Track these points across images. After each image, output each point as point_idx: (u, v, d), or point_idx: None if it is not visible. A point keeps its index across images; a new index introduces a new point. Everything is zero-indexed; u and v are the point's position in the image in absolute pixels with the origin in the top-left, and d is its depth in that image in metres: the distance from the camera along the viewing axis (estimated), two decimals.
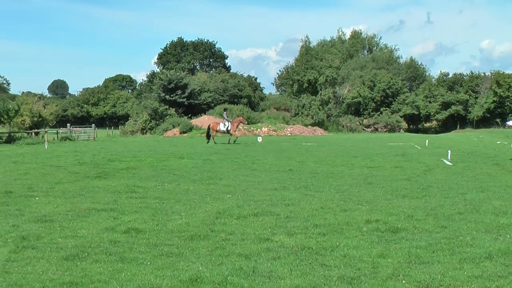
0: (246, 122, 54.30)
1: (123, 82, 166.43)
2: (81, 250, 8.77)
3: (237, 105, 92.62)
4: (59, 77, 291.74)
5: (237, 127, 47.60)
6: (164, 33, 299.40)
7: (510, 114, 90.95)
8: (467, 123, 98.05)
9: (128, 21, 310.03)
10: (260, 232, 10.13)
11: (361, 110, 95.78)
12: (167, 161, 26.75)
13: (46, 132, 51.75)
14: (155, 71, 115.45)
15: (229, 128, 46.06)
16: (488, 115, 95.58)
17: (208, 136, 46.53)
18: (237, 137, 47.17)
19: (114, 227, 10.56)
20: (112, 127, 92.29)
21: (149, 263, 8.04)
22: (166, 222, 11.10)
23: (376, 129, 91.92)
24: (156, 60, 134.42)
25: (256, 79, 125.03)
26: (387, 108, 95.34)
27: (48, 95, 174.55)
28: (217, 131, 46.83)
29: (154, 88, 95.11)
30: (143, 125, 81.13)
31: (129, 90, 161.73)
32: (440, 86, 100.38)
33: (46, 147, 41.37)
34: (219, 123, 47.11)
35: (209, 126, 47.95)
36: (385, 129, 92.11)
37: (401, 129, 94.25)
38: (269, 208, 12.61)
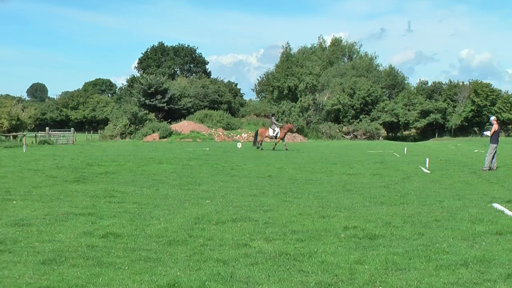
0: (295, 129, 53.34)
1: (103, 86, 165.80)
2: (59, 254, 8.73)
3: (217, 110, 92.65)
4: (38, 81, 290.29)
5: (286, 133, 46.98)
6: (144, 38, 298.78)
7: (487, 123, 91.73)
8: (445, 132, 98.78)
9: (109, 25, 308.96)
10: (239, 237, 10.14)
11: (340, 117, 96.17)
12: (146, 166, 26.66)
13: (24, 135, 51.43)
14: (135, 76, 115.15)
15: (278, 134, 45.82)
16: (466, 124, 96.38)
17: (256, 141, 46.56)
18: (285, 144, 46.80)
19: (92, 232, 10.51)
20: (91, 131, 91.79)
21: (127, 267, 8.01)
22: (145, 227, 11.07)
23: (356, 136, 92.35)
24: (136, 65, 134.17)
25: (236, 85, 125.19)
26: (366, 115, 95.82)
27: (27, 98, 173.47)
28: (266, 136, 46.54)
29: (134, 92, 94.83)
30: (123, 129, 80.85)
31: (109, 95, 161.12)
32: (419, 94, 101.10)
33: (24, 151, 41.07)
34: (268, 129, 46.84)
35: (256, 131, 47.95)
36: (364, 137, 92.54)
37: (380, 137, 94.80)
38: (247, 214, 12.62)
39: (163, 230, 10.73)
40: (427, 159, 28.34)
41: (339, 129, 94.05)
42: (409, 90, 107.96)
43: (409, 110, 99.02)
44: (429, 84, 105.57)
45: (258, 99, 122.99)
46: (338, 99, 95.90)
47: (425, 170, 25.23)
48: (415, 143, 77.66)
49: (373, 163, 30.39)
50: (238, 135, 76.17)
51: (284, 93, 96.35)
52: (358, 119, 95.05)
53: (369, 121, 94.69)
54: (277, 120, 47.80)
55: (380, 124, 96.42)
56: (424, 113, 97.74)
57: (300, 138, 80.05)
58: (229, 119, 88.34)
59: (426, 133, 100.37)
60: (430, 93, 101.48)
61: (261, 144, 46.29)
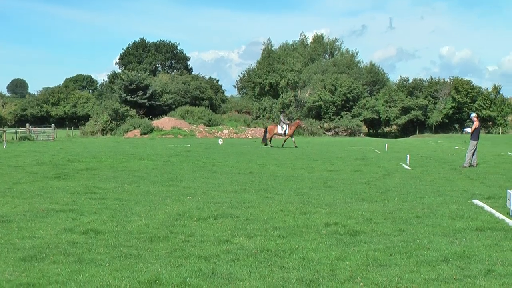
0: (303, 125, 53.08)
1: (83, 82, 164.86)
2: (39, 251, 8.68)
3: (198, 107, 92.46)
4: (19, 76, 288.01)
5: (294, 130, 47.04)
6: (126, 34, 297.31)
7: (468, 120, 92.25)
8: (426, 128, 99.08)
9: (90, 21, 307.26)
10: (220, 234, 10.13)
11: (322, 113, 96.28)
12: (127, 162, 26.58)
13: (4, 131, 51.02)
14: (117, 72, 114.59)
15: (286, 131, 45.66)
16: (447, 121, 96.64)
17: (265, 138, 46.46)
18: (294, 141, 46.61)
19: (72, 228, 10.47)
20: (72, 128, 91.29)
21: (107, 264, 7.98)
22: (126, 223, 11.04)
23: (337, 133, 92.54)
24: (117, 61, 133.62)
25: (218, 81, 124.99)
26: (347, 112, 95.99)
27: (7, 94, 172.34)
28: (274, 133, 46.26)
29: (115, 88, 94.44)
30: (104, 125, 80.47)
31: (90, 91, 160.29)
32: (400, 91, 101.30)
33: (4, 147, 40.79)
34: (277, 126, 46.63)
35: (266, 129, 47.80)
36: (345, 133, 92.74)
37: (362, 133, 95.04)
38: (229, 210, 12.62)
39: (144, 227, 10.71)
40: (408, 156, 28.48)
41: (320, 126, 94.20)
42: (390, 87, 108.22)
43: (390, 107, 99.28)
44: (410, 81, 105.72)
45: (240, 96, 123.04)
46: (320, 96, 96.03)
47: (406, 167, 25.35)
48: (396, 139, 77.96)
49: (354, 159, 30.48)
50: (220, 132, 76.11)
51: (265, 90, 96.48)
52: (339, 116, 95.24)
53: (350, 117, 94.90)
54: (282, 116, 47.36)
55: (361, 121, 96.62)
56: (405, 110, 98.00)
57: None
58: (210, 115, 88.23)
59: (407, 130, 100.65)
60: (411, 90, 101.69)
61: (270, 141, 46.16)
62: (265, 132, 47.32)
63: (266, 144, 46.09)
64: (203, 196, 14.96)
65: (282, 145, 45.03)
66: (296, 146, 44.56)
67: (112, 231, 10.31)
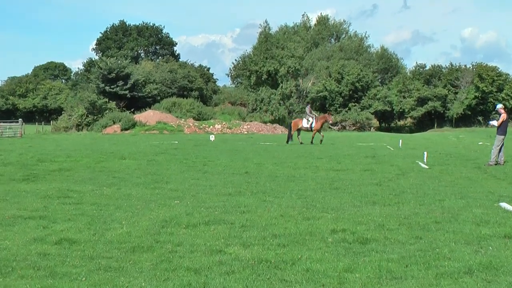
0: (331, 120, 52.12)
1: (55, 70, 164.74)
2: (5, 264, 8.64)
3: (187, 98, 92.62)
4: None
5: (322, 125, 46.86)
6: (103, 16, 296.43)
7: (493, 112, 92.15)
8: (446, 121, 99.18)
9: (63, 1, 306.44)
10: (212, 243, 10.10)
11: (327, 105, 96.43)
12: (106, 162, 26.54)
13: None
14: (93, 59, 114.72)
15: (313, 125, 45.45)
16: (469, 113, 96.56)
17: (290, 135, 46.20)
18: (323, 136, 46.17)
19: (43, 238, 10.42)
20: (43, 123, 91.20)
21: (84, 278, 7.95)
22: (104, 231, 11.01)
23: (344, 127, 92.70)
24: (94, 46, 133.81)
25: (209, 69, 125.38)
26: (356, 103, 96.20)
27: None
28: (299, 128, 46.03)
29: (92, 78, 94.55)
30: (79, 120, 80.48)
31: (63, 80, 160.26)
32: (415, 79, 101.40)
33: None
34: (302, 119, 46.43)
35: (290, 124, 47.59)
36: (353, 127, 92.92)
37: (372, 128, 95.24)
38: (222, 215, 12.60)
39: (126, 235, 10.67)
40: (425, 153, 28.48)
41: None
42: (404, 74, 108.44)
43: (404, 97, 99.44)
44: (427, 67, 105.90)
45: (234, 86, 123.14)
46: (324, 85, 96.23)
47: (423, 165, 25.35)
48: (411, 134, 78.05)
49: (364, 157, 30.48)
50: (211, 126, 76.17)
51: (263, 79, 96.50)
52: (347, 108, 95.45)
53: (359, 110, 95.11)
54: (308, 108, 47.03)
55: (372, 114, 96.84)
56: (422, 101, 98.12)
57: (281, 130, 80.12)
58: (200, 108, 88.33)
59: (423, 124, 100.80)
60: (428, 78, 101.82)
61: (299, 136, 45.81)
62: (290, 128, 47.01)
63: (287, 141, 45.54)
64: (192, 200, 14.93)
65: (312, 142, 44.60)
66: (321, 142, 44.37)
67: (89, 240, 10.27)
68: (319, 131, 45.43)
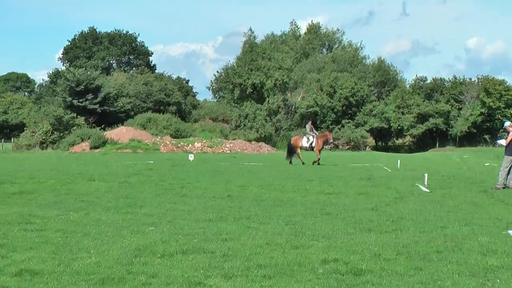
0: (332, 139, 50.79)
1: (17, 82, 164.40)
2: None
3: (163, 114, 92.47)
4: None
5: (323, 144, 46.95)
6: (71, 22, 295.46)
7: (501, 130, 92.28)
8: (449, 140, 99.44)
9: (25, 5, 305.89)
10: (190, 274, 10.08)
11: (318, 122, 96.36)
12: (73, 184, 26.47)
13: None
14: (60, 69, 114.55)
15: (313, 144, 45.46)
16: (475, 131, 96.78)
17: (290, 153, 45.98)
18: (319, 158, 45.40)
19: (2, 269, 10.37)
20: (3, 140, 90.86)
21: None
22: (71, 261, 10.96)
23: (336, 146, 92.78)
24: (61, 56, 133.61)
25: (188, 81, 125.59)
26: (350, 120, 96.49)
27: None
28: (299, 147, 46.03)
29: (58, 90, 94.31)
30: (43, 137, 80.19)
31: (26, 93, 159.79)
32: (415, 94, 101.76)
33: None
34: (302, 138, 46.52)
35: (289, 142, 47.36)
36: (347, 146, 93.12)
37: (367, 147, 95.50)
38: (201, 244, 12.58)
39: (95, 266, 10.63)
40: (426, 175, 28.53)
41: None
42: (403, 88, 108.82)
43: (403, 113, 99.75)
44: (428, 81, 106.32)
45: (215, 100, 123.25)
46: (315, 100, 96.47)
47: (423, 189, 25.41)
48: (411, 154, 78.28)
49: (359, 179, 30.53)
50: (190, 145, 76.08)
51: (247, 92, 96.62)
52: (340, 125, 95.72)
53: (353, 127, 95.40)
54: (309, 125, 46.87)
55: (367, 131, 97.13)
56: (422, 117, 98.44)
57: (268, 149, 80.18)
58: (178, 124, 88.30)
59: (424, 142, 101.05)
60: (429, 92, 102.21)
61: (300, 157, 45.69)
62: (289, 145, 46.91)
63: (290, 161, 45.28)
64: (169, 226, 14.90)
65: (318, 163, 44.27)
66: (318, 163, 44.23)
67: (53, 271, 10.22)
68: (319, 150, 45.39)
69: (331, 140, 51.58)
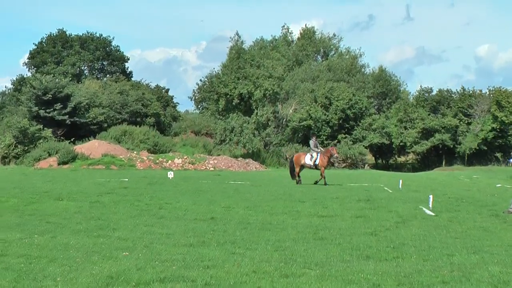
0: (336, 154, 48.36)
1: None
2: None
3: (140, 126, 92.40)
4: None
5: (328, 160, 46.34)
6: (39, 23, 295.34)
7: None
8: (456, 158, 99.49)
9: None
10: None
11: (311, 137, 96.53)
12: (38, 204, 26.41)
13: None
14: (25, 76, 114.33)
15: (317, 162, 44.97)
16: (485, 148, 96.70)
17: (294, 172, 45.55)
18: (324, 177, 44.81)
19: None
20: None
21: None
22: None
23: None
24: (26, 61, 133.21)
25: (168, 91, 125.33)
26: (347, 135, 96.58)
27: None
28: (301, 165, 45.57)
29: (23, 99, 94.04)
30: (6, 151, 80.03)
31: None
32: (420, 106, 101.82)
33: None
34: (306, 154, 46.22)
35: (291, 159, 46.79)
36: (344, 164, 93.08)
37: (366, 165, 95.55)
38: (181, 271, 12.56)
39: None
40: (431, 197, 28.60)
41: (286, 155, 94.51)
42: (406, 100, 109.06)
43: (406, 128, 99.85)
44: (434, 92, 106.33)
45: (198, 111, 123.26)
46: (309, 112, 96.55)
47: (428, 212, 25.46)
48: (414, 174, 78.36)
49: (356, 201, 30.55)
50: (170, 161, 76.02)
51: (234, 103, 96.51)
52: (336, 140, 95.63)
53: (351, 142, 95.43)
54: (313, 141, 46.32)
55: (366, 147, 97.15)
56: (427, 133, 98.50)
57: (255, 166, 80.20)
58: (157, 138, 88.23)
59: (429, 160, 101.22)
60: (435, 105, 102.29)
61: (298, 177, 45.17)
62: (291, 163, 46.58)
63: (298, 182, 44.67)
64: (145, 251, 14.89)
65: (325, 183, 43.80)
66: (325, 182, 43.96)
67: None
68: (324, 168, 44.99)
69: (336, 155, 49.57)
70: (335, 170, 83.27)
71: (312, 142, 46.92)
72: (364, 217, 23.57)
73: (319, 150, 46.51)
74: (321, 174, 44.68)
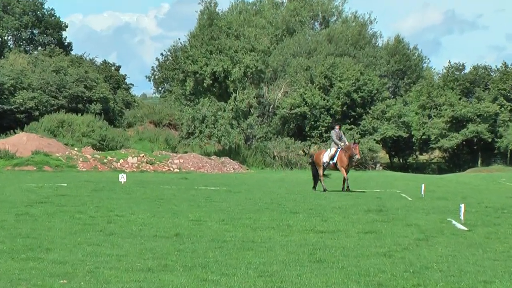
0: (356, 152, 45.71)
1: None
2: None
3: (82, 114, 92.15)
4: None
5: (348, 160, 45.33)
6: None
7: None
8: (496, 156, 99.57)
9: None
10: None
11: (306, 129, 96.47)
12: None
13: None
14: None
15: (335, 159, 44.82)
16: None
17: (317, 175, 45.62)
18: (346, 179, 44.95)
19: None
20: None
21: None
22: None
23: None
24: None
25: (119, 68, 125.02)
26: (353, 126, 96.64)
27: None
28: (322, 166, 45.55)
29: None
30: None
31: None
32: (448, 88, 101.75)
33: None
34: (326, 151, 46.29)
35: (312, 159, 47.12)
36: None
37: (378, 164, 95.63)
38: None
39: None
40: (462, 206, 28.68)
41: (304, 150, 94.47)
42: (430, 80, 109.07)
43: (430, 117, 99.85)
44: (467, 70, 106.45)
45: (159, 96, 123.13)
46: (303, 97, 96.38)
47: (459, 226, 25.53)
48: (441, 176, 78.53)
49: (365, 212, 30.62)
50: (122, 160, 76.00)
51: (205, 85, 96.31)
52: None
53: (358, 136, 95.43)
54: (335, 131, 45.32)
55: (378, 142, 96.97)
56: (458, 123, 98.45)
57: (234, 166, 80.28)
58: (105, 130, 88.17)
59: (460, 159, 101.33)
60: (468, 86, 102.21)
61: (322, 180, 45.32)
62: (313, 164, 46.26)
63: (324, 189, 44.22)
64: (89, 279, 14.88)
65: (346, 188, 44.50)
66: (346, 189, 44.27)
67: None
68: (346, 169, 44.87)
69: (357, 156, 46.92)
70: (338, 172, 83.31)
71: (334, 133, 46.47)
72: (375, 232, 23.62)
73: (342, 144, 45.77)
74: (345, 174, 44.85)
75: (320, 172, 45.55)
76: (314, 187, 45.32)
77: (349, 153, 44.99)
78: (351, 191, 43.29)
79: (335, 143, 45.46)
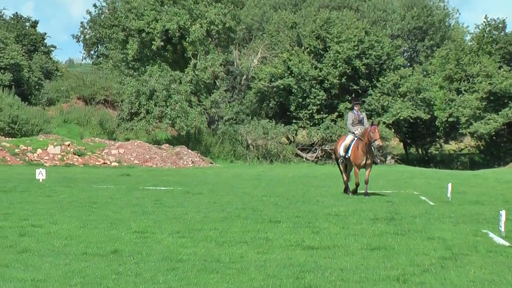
0: (379, 140, 44.42)
1: None
2: None
3: None
4: None
5: (367, 150, 44.10)
6: None
7: None
8: None
9: None
10: None
11: (292, 108, 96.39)
12: None
13: None
14: None
15: (349, 153, 44.22)
16: None
17: (345, 171, 45.60)
18: (357, 182, 44.76)
19: None
20: None
21: None
22: None
23: (330, 156, 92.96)
24: None
25: (36, 24, 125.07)
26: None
27: None
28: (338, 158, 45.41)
29: None
30: None
31: None
32: (484, 53, 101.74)
33: None
34: (343, 139, 45.71)
35: (335, 147, 46.81)
36: None
37: (390, 156, 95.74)
38: None
39: None
40: (503, 213, 28.74)
41: (288, 137, 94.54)
42: (459, 43, 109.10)
43: (459, 92, 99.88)
44: (509, 29, 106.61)
45: (90, 62, 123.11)
46: (287, 65, 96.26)
47: (498, 240, 25.58)
48: (474, 172, 78.80)
49: (371, 220, 30.69)
50: (40, 150, 75.99)
51: (154, 48, 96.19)
52: (336, 113, 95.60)
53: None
54: (354, 112, 44.73)
55: (389, 127, 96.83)
56: (497, 101, 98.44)
57: (194, 158, 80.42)
58: (16, 109, 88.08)
59: (499, 149, 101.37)
60: (511, 51, 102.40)
61: (347, 176, 45.37)
62: (337, 161, 46.18)
63: (350, 191, 44.09)
64: None
65: (355, 191, 44.67)
66: (366, 195, 43.39)
67: None
68: (365, 163, 43.77)
69: (377, 141, 44.79)
70: (334, 167, 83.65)
71: (350, 116, 46.16)
72: (385, 249, 23.65)
73: (358, 130, 45.05)
74: (364, 180, 44.24)
75: (342, 167, 45.55)
76: (352, 192, 44.88)
77: (365, 141, 43.80)
78: (358, 194, 43.12)
79: (350, 130, 45.08)
